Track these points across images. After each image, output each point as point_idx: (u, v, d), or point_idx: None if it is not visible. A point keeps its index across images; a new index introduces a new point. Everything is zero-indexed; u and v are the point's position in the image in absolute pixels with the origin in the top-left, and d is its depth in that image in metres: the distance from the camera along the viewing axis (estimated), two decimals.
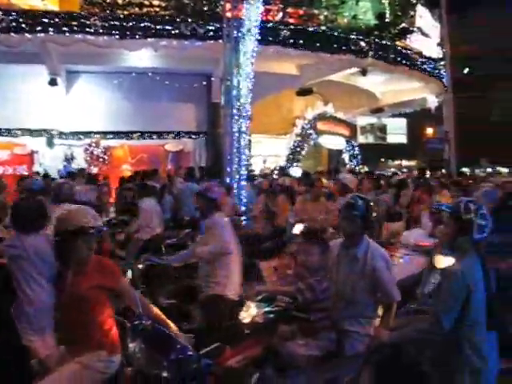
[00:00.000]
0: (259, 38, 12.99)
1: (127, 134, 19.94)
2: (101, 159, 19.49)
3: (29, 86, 18.16)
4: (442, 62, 24.93)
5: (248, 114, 12.47)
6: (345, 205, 4.49)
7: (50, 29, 15.84)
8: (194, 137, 20.97)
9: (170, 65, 18.29)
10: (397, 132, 31.18)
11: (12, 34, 15.59)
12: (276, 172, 17.82)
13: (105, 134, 19.57)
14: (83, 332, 3.58)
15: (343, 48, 19.74)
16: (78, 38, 15.84)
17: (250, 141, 18.47)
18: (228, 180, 12.26)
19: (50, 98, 18.38)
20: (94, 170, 18.34)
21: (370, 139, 29.78)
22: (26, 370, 3.84)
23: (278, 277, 6.78)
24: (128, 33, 16.29)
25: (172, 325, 3.74)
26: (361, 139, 28.81)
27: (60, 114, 18.70)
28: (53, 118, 18.58)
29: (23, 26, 15.67)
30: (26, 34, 15.71)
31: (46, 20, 15.83)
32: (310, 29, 19.25)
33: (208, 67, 17.97)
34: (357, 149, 26.97)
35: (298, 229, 8.47)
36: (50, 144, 19.01)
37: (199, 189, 5.98)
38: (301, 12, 19.79)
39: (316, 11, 20.31)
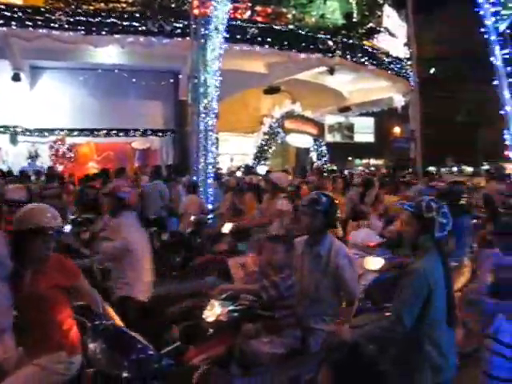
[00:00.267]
0: (227, 35, 12.96)
1: (93, 132, 19.67)
2: (66, 157, 19.19)
3: None
4: (409, 62, 25.17)
5: (215, 111, 12.44)
6: (307, 201, 4.50)
7: (13, 23, 15.55)
8: (161, 135, 20.80)
9: (137, 62, 18.11)
10: (364, 131, 31.44)
11: None
12: (241, 170, 17.78)
13: (70, 131, 19.27)
14: (42, 333, 3.50)
15: (311, 47, 19.88)
16: (43, 32, 15.58)
17: (217, 139, 18.43)
18: (195, 178, 12.20)
19: (13, 93, 17.99)
20: (60, 168, 18.04)
21: (338, 138, 29.96)
22: None
23: (245, 274, 6.75)
24: (94, 29, 16.09)
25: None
26: (328, 138, 28.94)
27: (24, 110, 18.31)
28: (16, 114, 18.18)
29: None
30: None
31: (8, 14, 15.52)
32: (278, 27, 19.30)
33: (175, 64, 17.84)
34: (324, 147, 27.10)
35: (227, 228, 8.47)
36: (14, 141, 18.61)
37: (108, 188, 5.91)
38: (269, 10, 19.82)
39: (284, 10, 20.38)
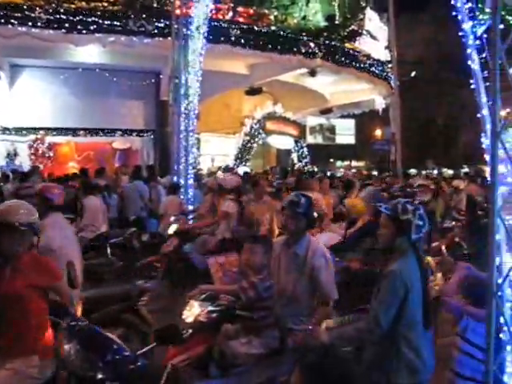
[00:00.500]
0: (209, 36, 12.92)
1: (74, 131, 19.53)
2: (45, 156, 19.00)
3: None
4: (390, 65, 25.35)
5: (196, 112, 12.38)
6: (288, 203, 4.51)
7: None
8: (141, 135, 20.72)
9: (118, 61, 17.99)
10: (345, 133, 31.64)
11: None
12: (221, 171, 17.76)
13: (50, 131, 19.10)
14: (16, 334, 3.45)
15: (293, 49, 19.90)
16: (22, 30, 15.36)
17: (198, 140, 18.40)
18: (175, 179, 12.15)
19: None
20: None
21: (319, 139, 30.10)
22: None
23: (224, 274, 6.75)
24: (75, 27, 15.93)
25: None
26: (309, 139, 29.07)
27: (3, 108, 18.12)
28: None
29: None
30: None
31: None
32: (260, 29, 19.31)
33: (157, 64, 17.75)
34: (305, 149, 27.18)
35: (172, 229, 8.45)
36: None
37: (39, 188, 5.87)
38: (251, 12, 19.82)
39: (266, 11, 20.40)
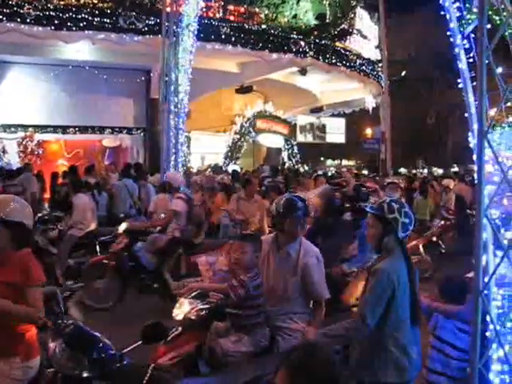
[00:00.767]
0: (199, 34, 12.90)
1: (63, 129, 19.41)
2: (35, 154, 18.89)
3: None
4: (380, 64, 25.44)
5: (186, 110, 12.36)
6: (286, 205, 4.50)
7: None
8: (131, 133, 20.62)
9: (108, 59, 17.92)
10: (336, 132, 31.69)
11: None
12: (209, 170, 17.76)
13: (40, 128, 18.97)
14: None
15: (283, 47, 19.89)
16: (11, 27, 15.22)
17: (188, 138, 18.34)
18: (164, 177, 12.12)
19: None
20: None
21: (309, 138, 30.14)
22: None
23: (214, 273, 6.74)
24: (64, 24, 15.82)
25: None
26: (300, 138, 29.09)
27: None
28: None
29: None
30: None
31: None
32: (251, 27, 19.30)
33: (147, 62, 17.69)
34: (296, 147, 27.19)
35: (122, 228, 8.45)
36: None
37: None
38: (241, 10, 19.80)
39: (257, 10, 20.37)
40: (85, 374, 3.16)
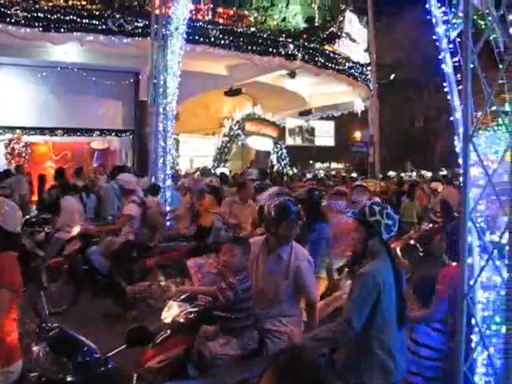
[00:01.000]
0: (188, 36, 12.89)
1: (51, 131, 19.26)
2: (22, 156, 18.77)
3: None
4: (369, 67, 25.53)
5: (174, 113, 12.34)
6: (280, 209, 4.51)
7: None
8: (120, 135, 20.54)
9: (97, 60, 17.81)
10: (325, 135, 31.77)
11: None
12: (198, 172, 17.74)
13: (27, 130, 18.83)
14: None
15: (272, 50, 19.92)
16: None
17: (177, 140, 18.30)
18: (153, 179, 12.10)
19: None
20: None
21: (298, 141, 30.19)
22: None
23: (203, 275, 6.73)
24: (52, 26, 15.74)
25: None
26: (289, 141, 29.14)
27: None
28: None
29: None
30: None
31: None
32: (240, 30, 19.31)
33: (136, 64, 17.61)
34: (284, 150, 27.23)
35: (75, 231, 8.41)
36: None
37: None
38: (231, 13, 19.82)
39: (246, 12, 20.41)
40: (69, 378, 3.13)
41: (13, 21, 15.23)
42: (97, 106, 19.40)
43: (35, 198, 14.61)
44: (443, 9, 4.23)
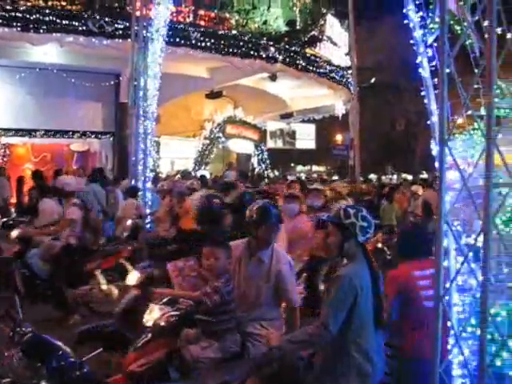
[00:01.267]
0: (169, 38, 12.85)
1: (30, 132, 19.12)
2: (1, 157, 18.58)
3: None
4: (350, 71, 25.66)
5: (155, 115, 12.28)
6: (260, 212, 4.50)
7: None
8: (100, 137, 20.43)
9: (77, 62, 17.68)
10: (306, 138, 31.85)
11: None
12: (179, 175, 17.68)
13: (6, 131, 18.66)
14: None
15: (253, 53, 19.93)
16: None
17: (158, 143, 18.22)
18: (133, 182, 12.04)
19: None
20: None
21: (279, 144, 30.25)
22: None
23: (183, 279, 6.70)
24: (32, 26, 15.57)
25: None
26: (270, 144, 29.19)
27: None
28: None
29: None
30: None
31: None
32: (221, 32, 19.30)
33: (117, 66, 17.54)
34: (266, 153, 27.27)
35: (14, 234, 8.31)
36: None
37: None
38: (212, 15, 19.80)
39: (227, 15, 20.40)
40: (43, 383, 3.08)
41: None
42: (77, 108, 19.29)
43: (14, 200, 14.47)
44: (420, 14, 4.26)
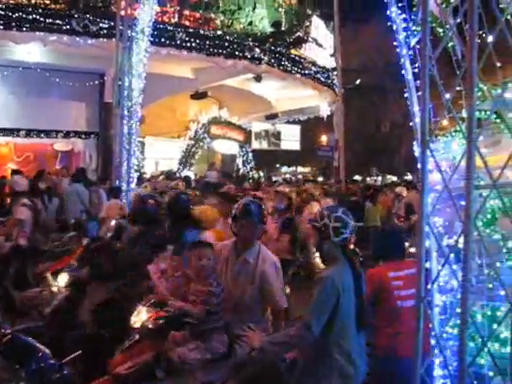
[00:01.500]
0: (154, 39, 12.80)
1: (12, 132, 18.92)
2: None
3: None
4: (335, 72, 25.71)
5: (139, 115, 12.22)
6: (243, 211, 4.47)
7: None
8: (84, 137, 20.28)
9: (60, 61, 17.49)
10: (291, 139, 31.91)
11: None
12: (163, 176, 17.62)
13: None
14: None
15: (238, 54, 19.92)
16: None
17: (143, 143, 18.12)
18: (117, 182, 11.97)
19: None
20: None
21: (264, 145, 30.26)
22: None
23: (167, 279, 6.66)
24: (14, 24, 15.41)
25: None
26: (255, 145, 29.19)
27: None
28: None
29: None
30: None
31: None
32: (206, 33, 19.26)
33: (101, 66, 17.40)
34: (250, 154, 27.27)
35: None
36: None
37: None
38: (197, 15, 19.76)
39: (213, 15, 20.36)
40: None
41: None
42: (61, 108, 19.12)
43: None
44: (403, 16, 4.28)
